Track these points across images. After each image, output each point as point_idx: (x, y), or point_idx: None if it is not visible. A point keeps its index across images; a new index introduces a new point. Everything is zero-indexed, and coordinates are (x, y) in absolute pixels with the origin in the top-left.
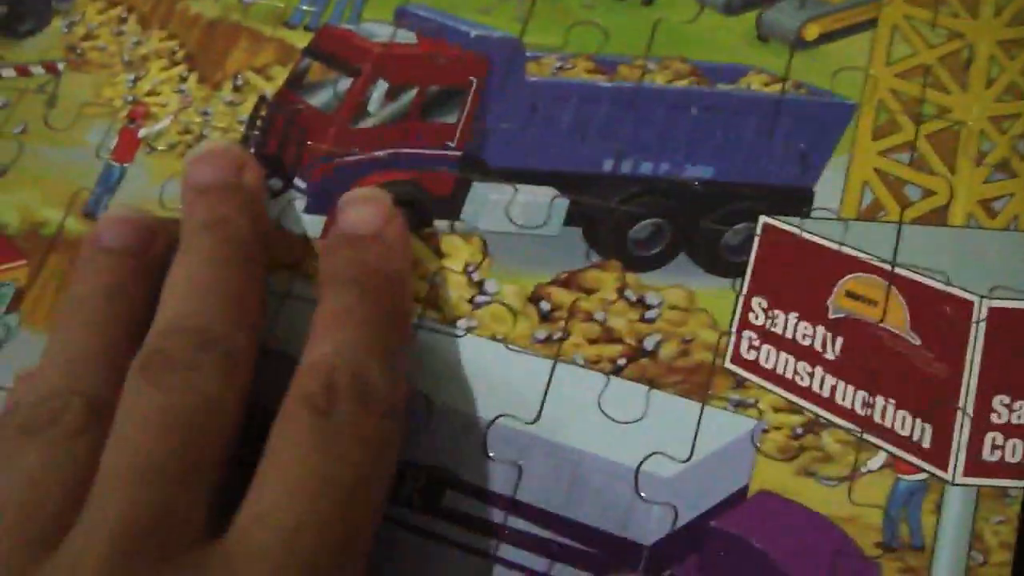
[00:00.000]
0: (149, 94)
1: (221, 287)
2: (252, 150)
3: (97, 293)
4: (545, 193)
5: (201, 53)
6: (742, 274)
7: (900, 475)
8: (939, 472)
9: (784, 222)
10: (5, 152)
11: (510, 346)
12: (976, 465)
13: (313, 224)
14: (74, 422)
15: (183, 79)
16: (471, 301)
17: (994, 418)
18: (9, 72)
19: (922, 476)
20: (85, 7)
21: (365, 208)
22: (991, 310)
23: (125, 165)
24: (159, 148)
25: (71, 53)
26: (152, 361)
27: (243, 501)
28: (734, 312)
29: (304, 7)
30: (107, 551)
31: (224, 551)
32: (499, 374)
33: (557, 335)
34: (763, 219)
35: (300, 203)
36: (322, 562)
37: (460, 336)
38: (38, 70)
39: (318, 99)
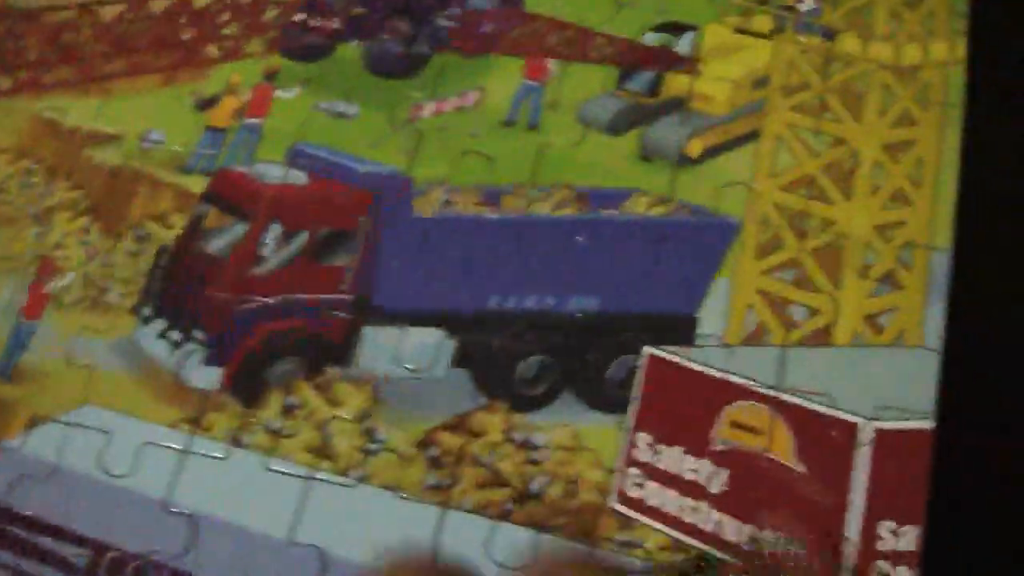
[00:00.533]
0: (56, 247)
1: None
2: (153, 302)
3: None
4: (433, 335)
5: (104, 202)
6: (627, 409)
7: None
8: None
9: (668, 352)
10: None
11: (401, 495)
12: None
13: (211, 375)
14: None
15: (87, 231)
16: (363, 450)
17: (880, 545)
18: None
19: None
20: None
21: None
22: (878, 432)
23: (34, 322)
24: (66, 302)
25: None
26: None
27: None
28: (620, 450)
29: (202, 151)
30: None
31: None
32: (391, 523)
33: (446, 482)
34: (647, 350)
35: (199, 354)
36: None
37: (352, 487)
38: None
39: (215, 245)
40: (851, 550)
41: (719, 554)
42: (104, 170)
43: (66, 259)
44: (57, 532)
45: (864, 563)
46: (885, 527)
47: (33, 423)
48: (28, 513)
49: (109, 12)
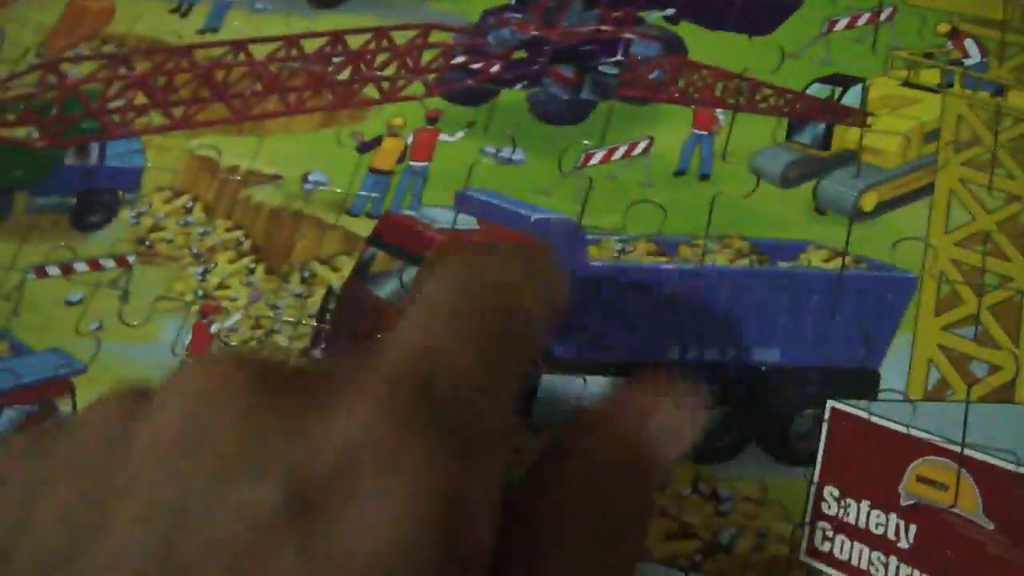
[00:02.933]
0: (219, 287)
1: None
2: (323, 345)
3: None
4: (611, 385)
5: (267, 243)
6: (812, 462)
7: None
8: None
9: (852, 406)
10: (84, 350)
11: None
12: None
13: None
14: None
15: (251, 271)
16: None
17: None
18: (82, 267)
19: None
20: (151, 198)
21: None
22: None
23: None
24: (232, 343)
25: (140, 246)
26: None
27: None
28: (807, 503)
29: (366, 193)
30: None
31: None
32: None
33: None
34: (831, 403)
35: None
36: None
37: None
38: (109, 264)
39: (384, 290)
40: None
41: None
42: (265, 210)
43: (231, 300)
44: None
45: None
46: None
47: None
48: None
49: (262, 50)
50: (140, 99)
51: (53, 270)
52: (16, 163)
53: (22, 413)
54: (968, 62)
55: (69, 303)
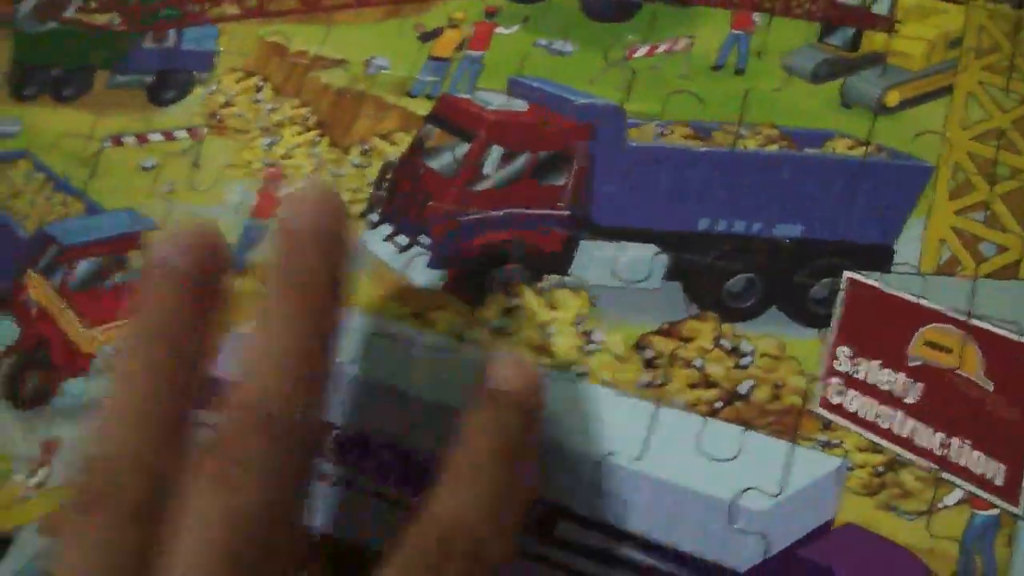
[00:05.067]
0: (284, 157)
1: (306, 366)
2: (380, 210)
3: (154, 334)
4: (647, 250)
5: (331, 120)
6: (828, 325)
7: (975, 510)
8: (1012, 508)
9: (867, 276)
10: (156, 209)
11: (617, 390)
12: None
13: (435, 277)
14: (129, 502)
15: (315, 144)
16: (581, 349)
17: None
18: (156, 137)
19: (996, 512)
20: (223, 77)
21: (517, 372)
22: None
23: (264, 222)
24: None
25: (211, 120)
26: (223, 456)
27: None
28: (821, 360)
29: (425, 78)
30: None
31: None
32: (607, 416)
33: (659, 380)
34: (848, 274)
35: (424, 258)
36: None
37: (572, 381)
38: (182, 135)
39: (439, 163)
40: None
41: (911, 456)
42: (331, 91)
43: (295, 168)
44: None
45: None
46: None
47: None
48: None
49: None
50: None
51: (129, 139)
52: (97, 45)
53: (96, 266)
54: None
55: (144, 169)
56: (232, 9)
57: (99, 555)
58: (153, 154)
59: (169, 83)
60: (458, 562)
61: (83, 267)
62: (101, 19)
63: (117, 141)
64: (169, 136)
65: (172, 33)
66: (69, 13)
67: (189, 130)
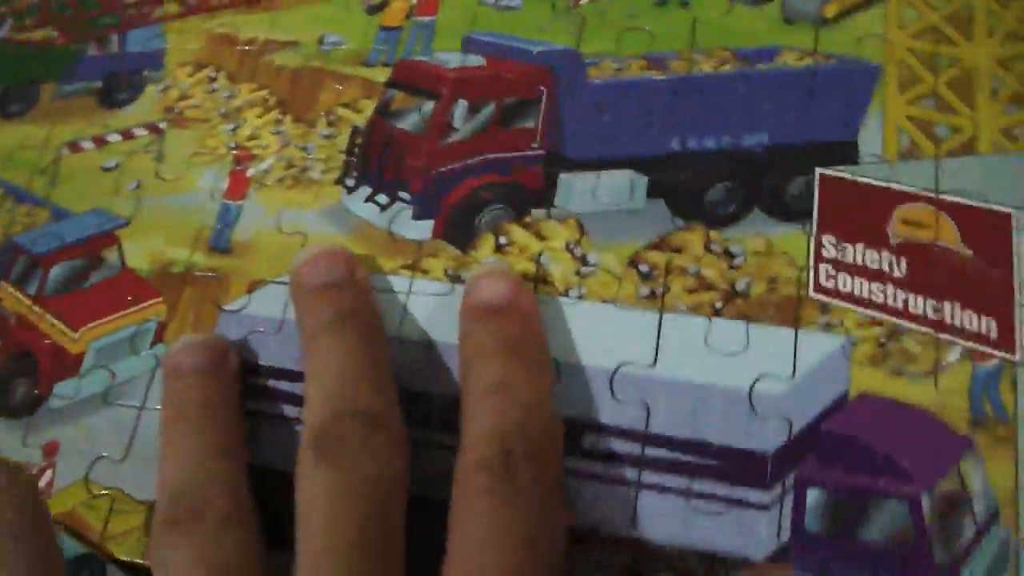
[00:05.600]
0: (250, 139)
1: (372, 372)
2: (355, 174)
3: (191, 407)
4: (625, 174)
5: (291, 98)
6: (809, 218)
7: (976, 363)
8: (1009, 356)
9: (838, 171)
10: (125, 207)
11: (619, 305)
12: None
13: (422, 228)
14: (219, 514)
15: (279, 122)
16: (577, 273)
17: None
18: (115, 137)
19: (995, 361)
20: (174, 73)
21: (498, 282)
22: None
23: (239, 203)
24: (268, 184)
25: (169, 113)
26: (328, 445)
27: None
28: (808, 250)
29: (378, 46)
30: None
31: None
32: (614, 330)
33: (659, 291)
34: (819, 170)
35: (408, 212)
36: None
37: (574, 303)
38: (141, 132)
39: (407, 123)
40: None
41: (908, 324)
42: (287, 70)
43: (262, 147)
44: (292, 376)
45: None
46: None
47: (253, 288)
48: (264, 364)
49: None
50: None
51: (87, 144)
52: (39, 59)
53: (70, 270)
54: None
55: (105, 169)
56: (173, 8)
57: (204, 558)
58: (113, 155)
59: (119, 85)
60: (521, 465)
61: (57, 272)
62: (39, 35)
63: (74, 147)
64: (128, 135)
65: (115, 38)
66: (3, 32)
67: (147, 127)
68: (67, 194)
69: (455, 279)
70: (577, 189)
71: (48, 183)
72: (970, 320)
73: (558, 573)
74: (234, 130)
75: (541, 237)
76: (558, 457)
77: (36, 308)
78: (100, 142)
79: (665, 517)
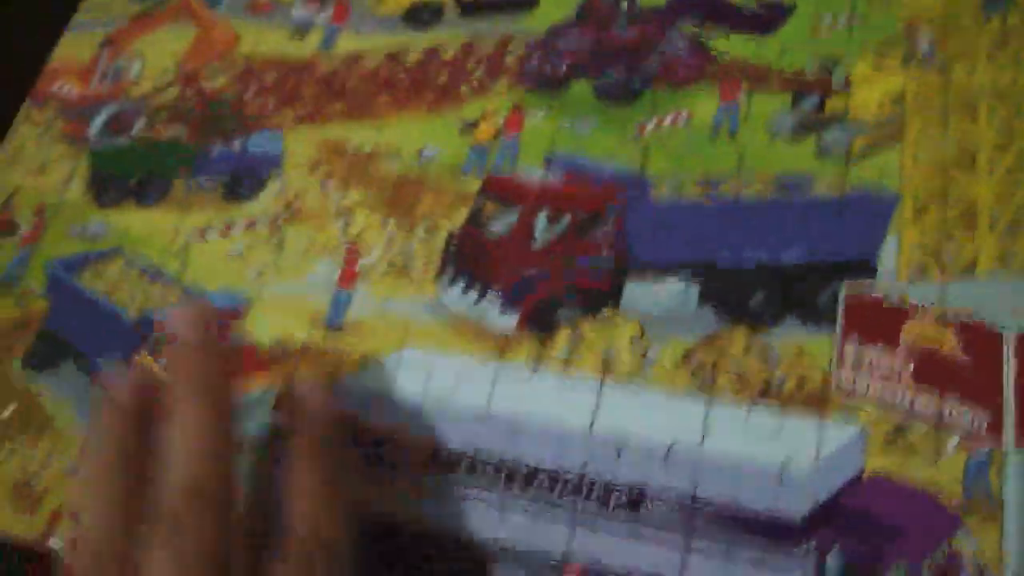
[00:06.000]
0: (359, 236)
1: (216, 449)
2: (450, 271)
3: (114, 455)
4: (680, 283)
5: (395, 201)
6: (835, 325)
7: (970, 453)
8: (996, 446)
9: (860, 283)
10: (249, 289)
11: (673, 395)
12: (1023, 437)
13: (507, 320)
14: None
15: (384, 223)
16: (639, 365)
17: None
18: (238, 229)
19: (986, 450)
20: (291, 172)
21: (313, 389)
22: (1017, 336)
23: (350, 290)
24: (375, 276)
25: (287, 209)
26: (166, 524)
27: None
28: (832, 355)
29: (471, 161)
30: None
31: None
32: (669, 414)
33: (707, 383)
34: (846, 282)
35: (495, 308)
36: None
37: (636, 392)
38: (262, 224)
39: (495, 229)
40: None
41: (913, 420)
42: (391, 178)
43: (369, 244)
44: (395, 440)
45: (1020, 418)
46: None
47: (364, 363)
48: (369, 426)
49: (370, 63)
50: (271, 102)
51: (213, 233)
52: (169, 155)
53: None
54: (921, 50)
55: (230, 256)
56: (289, 116)
57: None
58: (237, 243)
59: (243, 182)
60: (317, 558)
61: None
62: (168, 132)
63: (202, 235)
64: (250, 226)
65: (237, 140)
66: (137, 129)
67: (268, 220)
68: (196, 277)
69: (535, 368)
70: (640, 295)
71: (180, 266)
72: (965, 416)
73: None
74: (345, 227)
75: (609, 334)
76: (351, 551)
77: None
78: (225, 232)
79: (710, 571)
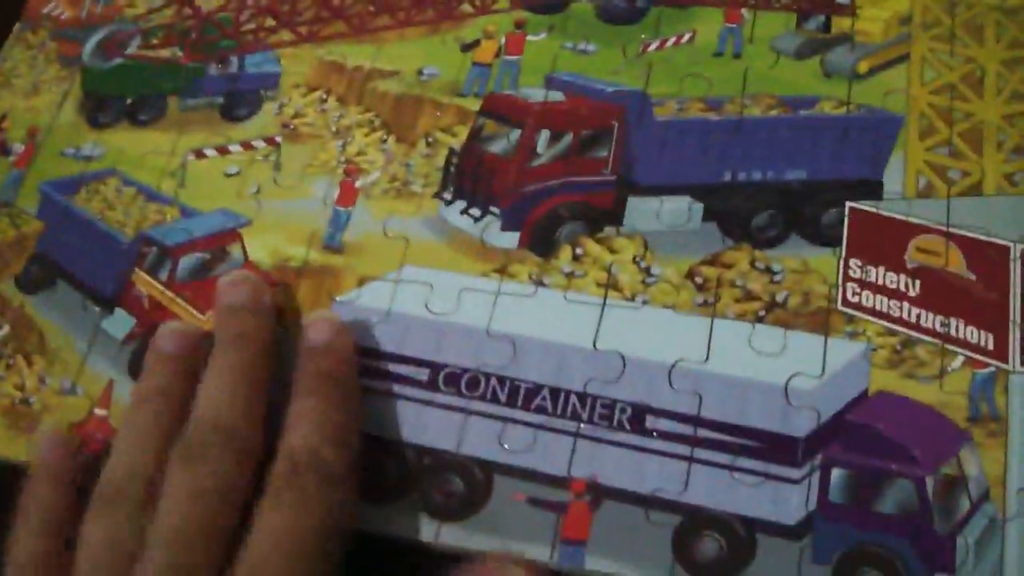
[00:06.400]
0: (358, 154)
1: (243, 392)
2: (451, 189)
3: (153, 393)
4: (684, 200)
5: (394, 120)
6: (839, 244)
7: (975, 370)
8: (1003, 365)
9: (865, 204)
10: (247, 208)
11: (677, 311)
12: None
13: (509, 238)
14: (134, 499)
15: (383, 141)
16: (642, 282)
17: None
18: (236, 147)
19: (991, 369)
20: (290, 93)
21: (321, 327)
22: (1023, 250)
23: (349, 209)
24: (375, 194)
25: (285, 129)
26: (187, 452)
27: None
28: (838, 270)
29: (471, 80)
30: None
31: None
32: (673, 331)
33: (711, 300)
34: (849, 204)
35: (497, 224)
36: None
37: (639, 308)
38: (260, 144)
39: (496, 148)
40: (1016, 328)
41: (920, 335)
42: (390, 96)
43: (369, 162)
44: (397, 358)
45: None
46: None
47: (362, 282)
48: (370, 346)
49: None
50: (269, 22)
51: (210, 152)
52: (165, 76)
53: (197, 261)
54: None
55: (228, 175)
56: (287, 36)
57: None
58: (235, 163)
59: (239, 102)
60: (305, 474)
61: (186, 262)
62: (164, 53)
63: (199, 154)
64: (248, 146)
65: (234, 60)
66: (132, 50)
67: (265, 139)
68: (193, 195)
69: (538, 283)
70: (643, 211)
71: (176, 184)
72: (972, 334)
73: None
74: (344, 146)
75: (612, 251)
76: (346, 470)
77: (168, 293)
78: (222, 151)
79: (712, 487)
